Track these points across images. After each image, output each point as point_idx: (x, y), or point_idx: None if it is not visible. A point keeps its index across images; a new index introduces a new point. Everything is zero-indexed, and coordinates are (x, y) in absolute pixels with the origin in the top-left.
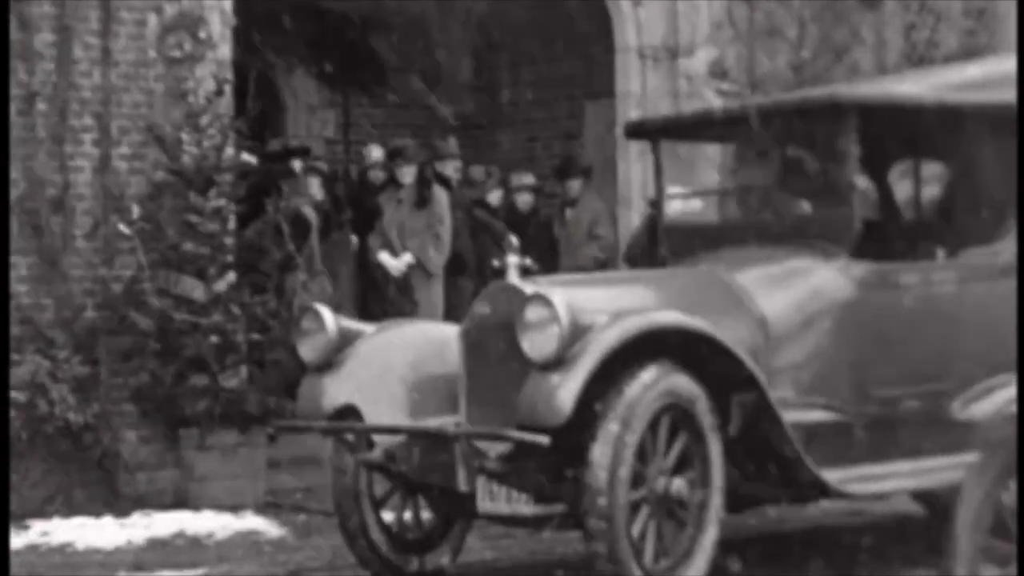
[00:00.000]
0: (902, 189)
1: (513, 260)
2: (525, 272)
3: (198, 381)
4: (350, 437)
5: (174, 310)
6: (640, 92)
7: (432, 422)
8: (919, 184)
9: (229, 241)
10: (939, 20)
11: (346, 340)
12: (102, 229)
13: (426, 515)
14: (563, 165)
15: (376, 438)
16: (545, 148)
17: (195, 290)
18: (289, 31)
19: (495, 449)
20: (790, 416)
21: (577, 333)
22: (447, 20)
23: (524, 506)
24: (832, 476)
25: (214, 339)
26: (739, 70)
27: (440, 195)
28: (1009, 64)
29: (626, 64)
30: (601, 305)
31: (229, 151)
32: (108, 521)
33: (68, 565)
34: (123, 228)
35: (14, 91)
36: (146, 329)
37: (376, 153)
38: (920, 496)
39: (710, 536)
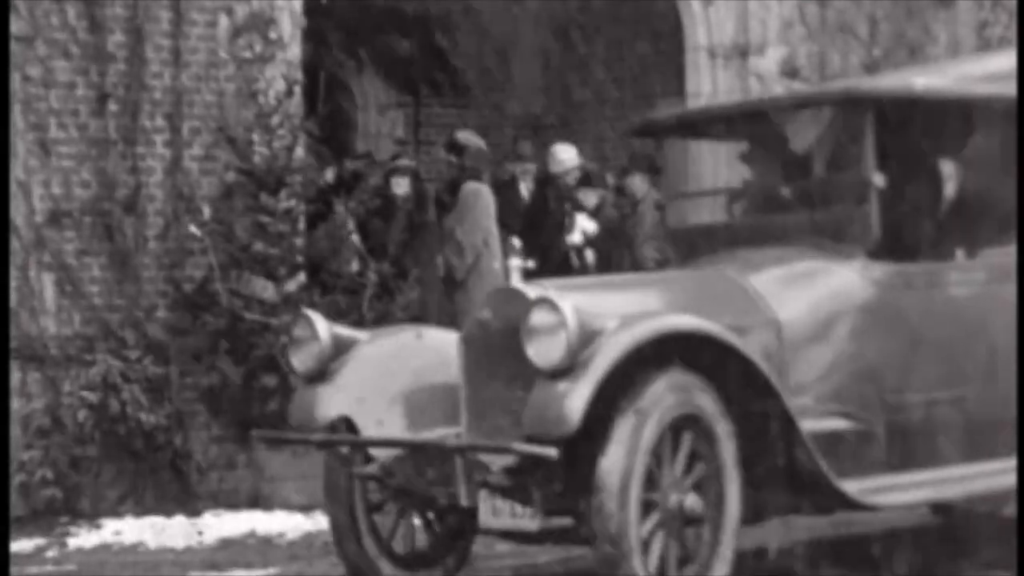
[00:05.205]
0: (920, 187)
1: (516, 263)
2: (528, 275)
3: (268, 381)
4: (344, 450)
5: (245, 310)
6: (711, 91)
7: (431, 434)
8: (939, 182)
9: (299, 242)
10: (1012, 17)
11: (340, 348)
12: (173, 230)
13: (430, 529)
14: (626, 163)
15: (373, 451)
16: (615, 148)
17: (266, 290)
18: (359, 32)
19: (498, 462)
20: (807, 424)
21: (585, 339)
22: (517, 20)
23: (529, 521)
24: (851, 487)
25: (285, 339)
26: (811, 69)
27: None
28: None
29: (696, 63)
30: (610, 309)
31: (299, 152)
32: (180, 520)
33: (140, 564)
34: (194, 229)
35: (86, 92)
36: (217, 329)
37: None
38: (937, 506)
39: (728, 541)
